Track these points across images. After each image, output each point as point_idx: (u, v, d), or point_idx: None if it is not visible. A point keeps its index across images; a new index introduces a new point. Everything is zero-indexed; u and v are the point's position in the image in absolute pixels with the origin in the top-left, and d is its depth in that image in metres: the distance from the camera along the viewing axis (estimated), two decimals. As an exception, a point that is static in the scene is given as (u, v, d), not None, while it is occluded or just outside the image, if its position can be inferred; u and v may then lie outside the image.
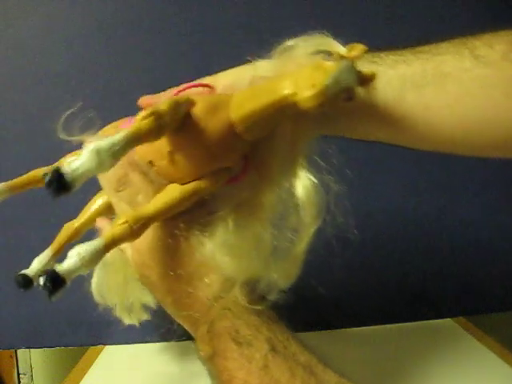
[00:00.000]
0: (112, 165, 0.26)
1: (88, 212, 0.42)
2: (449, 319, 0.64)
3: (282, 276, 0.35)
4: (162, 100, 0.31)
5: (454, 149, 0.33)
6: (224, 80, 0.36)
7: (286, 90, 0.28)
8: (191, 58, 0.59)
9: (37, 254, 0.43)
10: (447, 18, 0.62)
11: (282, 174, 0.34)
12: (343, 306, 0.62)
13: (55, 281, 0.27)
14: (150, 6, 0.60)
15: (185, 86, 0.37)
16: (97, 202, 0.42)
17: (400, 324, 0.63)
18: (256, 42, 0.35)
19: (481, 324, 0.61)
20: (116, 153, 0.26)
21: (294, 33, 0.34)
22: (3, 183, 0.37)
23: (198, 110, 0.31)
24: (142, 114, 0.28)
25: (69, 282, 0.28)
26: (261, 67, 0.34)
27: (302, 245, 0.35)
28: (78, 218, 0.42)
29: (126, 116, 0.41)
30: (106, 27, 0.60)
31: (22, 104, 0.61)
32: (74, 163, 0.25)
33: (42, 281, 0.26)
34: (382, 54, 0.32)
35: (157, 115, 0.28)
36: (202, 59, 0.60)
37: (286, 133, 0.33)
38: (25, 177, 0.39)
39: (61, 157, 0.58)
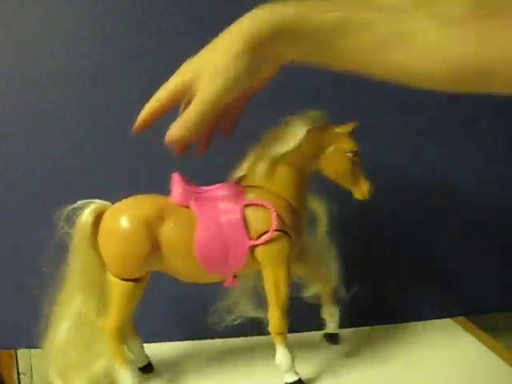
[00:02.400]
0: None
1: None
2: (449, 319, 0.64)
3: None
4: None
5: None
6: None
7: None
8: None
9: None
10: None
11: None
12: (344, 305, 0.62)
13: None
14: (150, 6, 0.60)
15: None
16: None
17: (400, 324, 0.63)
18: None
19: (481, 324, 0.61)
20: None
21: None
22: None
23: None
24: None
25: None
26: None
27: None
28: None
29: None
30: (106, 27, 0.60)
31: (22, 104, 0.60)
32: None
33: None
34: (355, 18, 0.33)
35: None
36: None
37: None
38: None
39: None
